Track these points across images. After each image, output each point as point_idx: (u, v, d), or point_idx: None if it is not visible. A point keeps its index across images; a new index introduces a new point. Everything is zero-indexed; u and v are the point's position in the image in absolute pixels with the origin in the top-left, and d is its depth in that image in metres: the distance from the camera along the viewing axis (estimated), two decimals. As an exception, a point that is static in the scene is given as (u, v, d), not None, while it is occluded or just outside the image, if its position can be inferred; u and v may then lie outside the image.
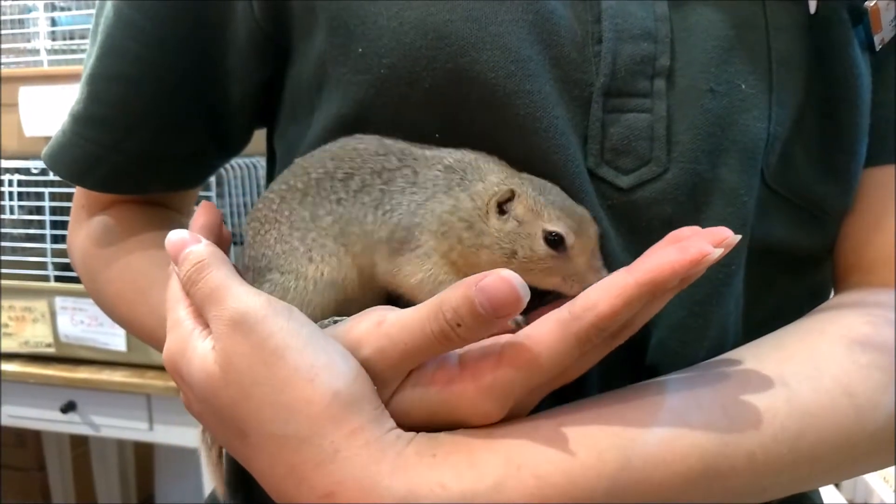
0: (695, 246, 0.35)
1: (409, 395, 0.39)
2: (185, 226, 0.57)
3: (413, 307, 0.38)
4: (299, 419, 0.36)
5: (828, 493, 1.48)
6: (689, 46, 0.47)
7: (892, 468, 1.42)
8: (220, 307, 0.39)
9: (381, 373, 0.38)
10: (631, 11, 0.47)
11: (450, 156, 0.45)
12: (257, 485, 0.40)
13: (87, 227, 0.61)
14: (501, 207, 0.43)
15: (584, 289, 0.37)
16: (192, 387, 0.40)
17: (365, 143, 0.46)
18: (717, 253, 0.35)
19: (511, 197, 0.43)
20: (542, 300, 0.43)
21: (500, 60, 0.44)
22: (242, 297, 0.39)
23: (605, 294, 0.35)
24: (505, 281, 0.34)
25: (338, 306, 0.46)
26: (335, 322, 0.43)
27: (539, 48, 0.45)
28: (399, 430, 0.38)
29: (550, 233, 0.42)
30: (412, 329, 0.37)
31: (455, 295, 0.35)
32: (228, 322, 0.38)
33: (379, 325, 0.39)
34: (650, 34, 0.46)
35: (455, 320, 0.35)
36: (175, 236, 0.43)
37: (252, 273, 0.48)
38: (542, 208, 0.43)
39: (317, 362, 0.37)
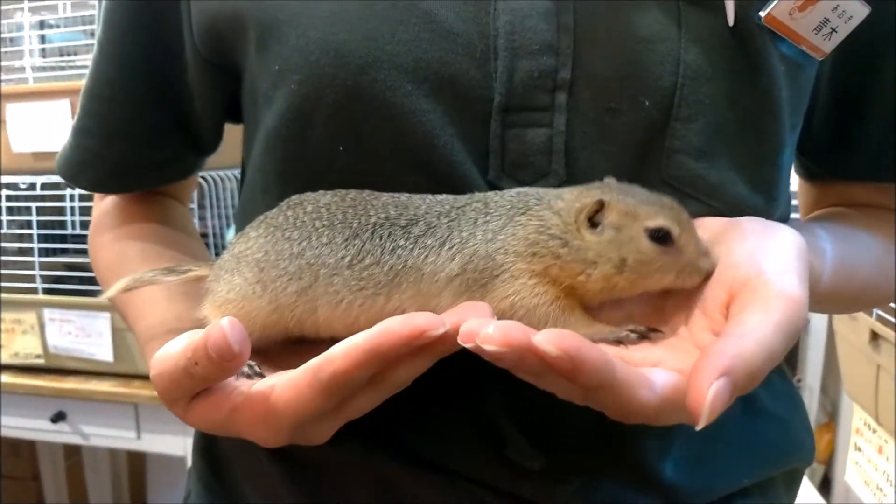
0: (417, 320, 0.35)
1: (205, 415, 0.42)
2: (181, 212, 0.69)
3: None
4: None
5: (810, 496, 1.48)
6: (594, 59, 0.47)
7: (876, 475, 1.42)
8: None
9: (162, 393, 0.42)
10: (530, 26, 0.47)
11: (514, 189, 0.45)
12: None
13: (95, 213, 0.71)
14: (592, 221, 0.42)
15: (701, 278, 0.42)
16: None
17: (409, 195, 0.46)
18: (438, 332, 0.35)
19: (600, 208, 0.42)
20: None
21: (397, 80, 0.46)
22: None
23: (342, 352, 0.37)
24: (219, 328, 0.36)
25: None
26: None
27: (437, 66, 0.46)
28: None
29: (654, 230, 0.41)
30: (171, 363, 0.40)
31: (202, 336, 0.38)
32: None
33: (165, 351, 0.41)
34: (551, 47, 0.47)
35: (194, 359, 0.38)
36: None
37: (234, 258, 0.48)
38: (636, 207, 0.42)
39: None
